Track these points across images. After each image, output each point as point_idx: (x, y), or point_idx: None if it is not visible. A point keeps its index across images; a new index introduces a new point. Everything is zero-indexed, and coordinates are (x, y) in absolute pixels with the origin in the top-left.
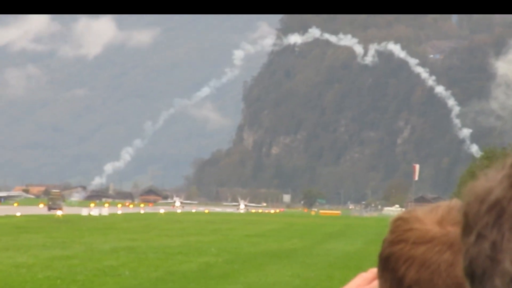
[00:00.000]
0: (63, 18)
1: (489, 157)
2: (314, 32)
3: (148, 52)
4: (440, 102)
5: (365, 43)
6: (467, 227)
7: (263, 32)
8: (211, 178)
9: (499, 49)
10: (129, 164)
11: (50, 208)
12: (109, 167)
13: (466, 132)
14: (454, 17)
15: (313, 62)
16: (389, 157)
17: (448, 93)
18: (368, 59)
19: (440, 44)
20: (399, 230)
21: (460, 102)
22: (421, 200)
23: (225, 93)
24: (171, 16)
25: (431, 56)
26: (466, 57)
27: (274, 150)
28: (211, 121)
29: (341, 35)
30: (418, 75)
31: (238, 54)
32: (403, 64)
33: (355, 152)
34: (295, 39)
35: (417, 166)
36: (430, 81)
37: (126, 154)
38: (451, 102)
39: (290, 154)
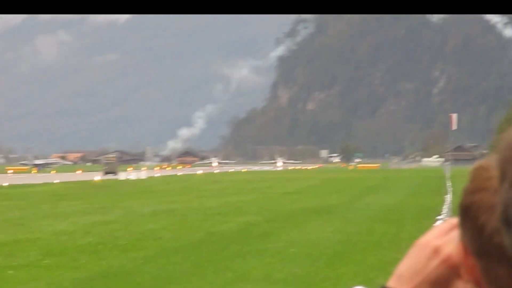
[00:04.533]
0: None
1: None
2: None
3: (178, 14)
4: (474, 50)
5: None
6: (502, 174)
7: None
8: (248, 137)
9: None
10: (163, 126)
11: (106, 173)
12: (144, 130)
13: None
14: None
15: (344, 15)
16: (426, 108)
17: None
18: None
19: None
20: (480, 179)
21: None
22: (460, 149)
23: (258, 50)
24: None
25: None
26: None
27: (309, 106)
28: (245, 79)
29: None
30: (450, 23)
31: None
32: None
33: (391, 104)
34: None
35: (454, 116)
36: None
37: (160, 117)
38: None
39: (325, 110)
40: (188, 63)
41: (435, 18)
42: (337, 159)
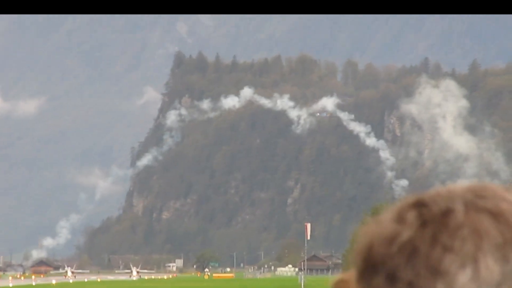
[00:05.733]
0: None
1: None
2: (199, 97)
3: (34, 121)
4: (330, 159)
5: (250, 103)
6: (371, 268)
7: (149, 97)
8: (103, 246)
9: (386, 104)
10: (19, 235)
11: None
12: None
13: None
14: (339, 75)
15: (200, 124)
16: (281, 217)
17: (338, 150)
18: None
19: (327, 102)
20: None
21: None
22: (314, 259)
23: (113, 159)
24: (57, 84)
25: (318, 114)
26: (354, 113)
27: (165, 215)
28: (98, 188)
29: (222, 97)
30: (307, 133)
31: (124, 120)
32: (289, 123)
33: (247, 213)
34: (182, 103)
35: (309, 225)
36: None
37: (15, 225)
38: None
39: (181, 218)
40: (42, 171)
41: (292, 127)
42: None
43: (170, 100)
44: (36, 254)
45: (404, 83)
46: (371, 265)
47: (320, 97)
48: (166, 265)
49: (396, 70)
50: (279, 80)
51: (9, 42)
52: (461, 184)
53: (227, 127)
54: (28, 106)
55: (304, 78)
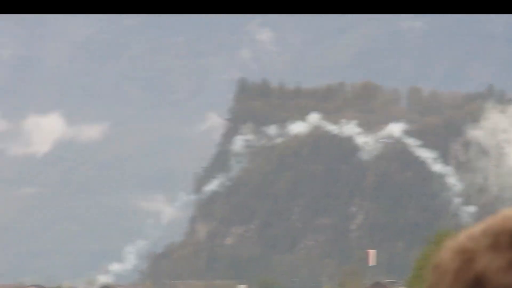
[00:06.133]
0: (12, 117)
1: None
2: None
3: (97, 147)
4: (393, 185)
5: (314, 128)
6: None
7: (212, 123)
8: (165, 271)
9: (450, 131)
10: (83, 260)
11: None
12: (63, 263)
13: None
14: (403, 101)
15: (263, 150)
16: (343, 243)
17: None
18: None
19: (393, 128)
20: None
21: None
22: (378, 285)
23: (176, 185)
24: (120, 110)
25: (384, 140)
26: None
27: (228, 241)
28: (163, 213)
29: (289, 123)
30: (371, 159)
31: (187, 146)
32: (354, 149)
33: (309, 239)
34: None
35: (372, 251)
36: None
37: (79, 251)
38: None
39: (244, 244)
40: (105, 196)
41: (358, 154)
42: None
43: (233, 125)
44: (104, 279)
45: (468, 109)
46: None
47: (384, 123)
48: None
49: (460, 97)
50: (342, 106)
51: (74, 67)
52: None
53: (291, 153)
54: (92, 132)
55: (367, 105)
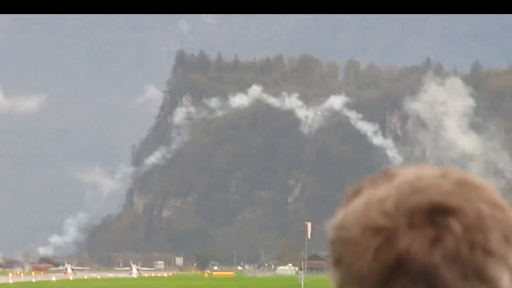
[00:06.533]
0: None
1: None
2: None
3: (35, 118)
4: (332, 158)
5: (255, 101)
6: (402, 278)
7: (150, 96)
8: (103, 243)
9: (388, 104)
10: (20, 232)
11: None
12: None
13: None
14: (341, 75)
15: (201, 123)
16: (282, 216)
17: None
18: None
19: (334, 101)
20: None
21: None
22: (315, 258)
23: (114, 157)
24: (58, 82)
25: (320, 113)
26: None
27: (165, 213)
28: (102, 186)
29: (231, 95)
30: (309, 133)
31: (125, 118)
32: (295, 122)
33: (247, 212)
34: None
35: (309, 224)
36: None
37: (16, 223)
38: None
39: (182, 217)
40: (43, 169)
41: (294, 128)
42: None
43: (172, 98)
44: (44, 251)
45: (406, 82)
46: (402, 274)
47: (323, 96)
48: (154, 262)
49: (397, 70)
50: (281, 79)
51: (11, 39)
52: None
53: (231, 125)
54: (29, 103)
55: (306, 78)
